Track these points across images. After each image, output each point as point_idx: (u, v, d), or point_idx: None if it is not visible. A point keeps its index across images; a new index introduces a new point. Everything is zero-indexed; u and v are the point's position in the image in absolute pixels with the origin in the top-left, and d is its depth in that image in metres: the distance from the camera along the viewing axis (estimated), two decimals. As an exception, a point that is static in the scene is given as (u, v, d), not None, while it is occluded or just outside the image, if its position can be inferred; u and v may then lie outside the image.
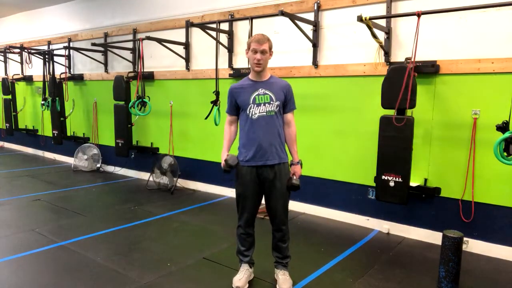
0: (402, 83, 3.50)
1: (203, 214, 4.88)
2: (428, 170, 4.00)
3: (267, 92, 2.80)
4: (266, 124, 2.80)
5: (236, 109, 2.89)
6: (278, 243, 2.99)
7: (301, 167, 2.96)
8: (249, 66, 2.87)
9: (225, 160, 2.87)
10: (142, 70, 5.87)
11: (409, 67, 3.50)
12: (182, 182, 6.11)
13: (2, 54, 9.15)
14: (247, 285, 2.95)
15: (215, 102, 4.92)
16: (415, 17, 3.42)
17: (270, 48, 2.81)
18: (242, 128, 2.89)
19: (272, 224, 2.99)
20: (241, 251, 3.00)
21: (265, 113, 2.79)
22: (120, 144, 6.34)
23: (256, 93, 2.80)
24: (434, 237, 3.92)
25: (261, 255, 3.23)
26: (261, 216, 4.52)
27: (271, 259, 3.09)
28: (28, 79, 8.81)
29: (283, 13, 4.02)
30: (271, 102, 2.80)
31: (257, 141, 2.79)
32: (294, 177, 2.90)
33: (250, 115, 2.81)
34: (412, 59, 3.44)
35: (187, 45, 5.87)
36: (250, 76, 2.89)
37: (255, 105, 2.79)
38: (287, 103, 2.89)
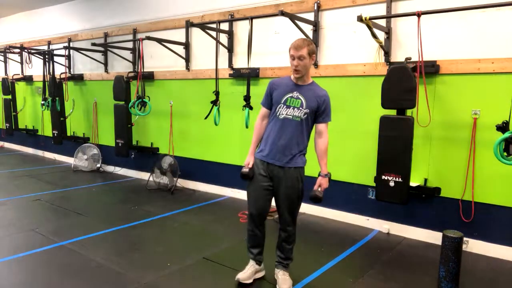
0: (404, 82, 3.51)
1: (203, 214, 4.87)
2: (428, 170, 4.00)
3: (300, 97, 2.79)
4: (288, 127, 2.79)
5: (271, 102, 2.88)
6: (283, 243, 3.01)
7: (329, 181, 2.88)
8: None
9: (240, 172, 2.90)
10: (142, 70, 5.87)
11: (418, 65, 3.51)
12: (182, 182, 6.11)
13: (2, 54, 9.15)
14: (251, 280, 2.96)
15: (215, 102, 4.92)
16: (415, 17, 3.42)
17: (310, 54, 2.74)
18: (268, 123, 2.92)
19: (279, 223, 3.01)
20: (248, 246, 3.05)
21: (291, 117, 2.78)
22: (120, 144, 6.34)
23: (290, 94, 2.80)
24: (434, 237, 3.92)
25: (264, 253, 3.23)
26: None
27: (272, 259, 3.09)
28: (28, 79, 8.80)
29: (283, 13, 4.03)
30: (301, 108, 2.78)
31: (274, 140, 2.81)
32: (319, 189, 2.83)
33: (277, 114, 2.82)
34: (419, 59, 3.47)
35: (187, 45, 5.87)
36: (292, 76, 2.87)
37: (285, 106, 2.80)
38: (320, 114, 2.83)
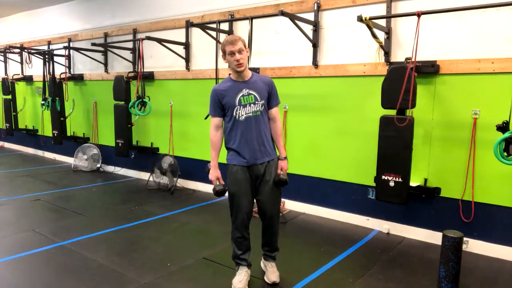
0: (402, 83, 3.51)
1: (203, 214, 4.88)
2: (428, 170, 4.00)
3: (251, 92, 2.80)
4: (253, 124, 2.81)
5: (222, 110, 2.85)
6: (270, 238, 3.04)
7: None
8: (231, 68, 2.82)
9: (215, 190, 2.88)
10: (142, 70, 5.87)
11: (409, 67, 3.49)
12: (182, 182, 6.11)
13: (2, 54, 9.15)
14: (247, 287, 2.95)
15: (215, 102, 4.92)
16: (415, 17, 3.42)
17: (245, 46, 2.79)
18: (229, 130, 2.87)
19: (263, 219, 3.00)
20: (238, 255, 2.98)
21: (251, 114, 2.80)
22: (120, 144, 6.34)
23: (241, 94, 2.79)
24: (434, 237, 3.92)
25: (259, 254, 3.23)
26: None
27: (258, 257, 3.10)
28: (28, 79, 8.80)
29: (283, 13, 4.02)
30: (256, 102, 2.81)
31: (246, 143, 2.81)
32: (282, 172, 2.90)
33: (237, 117, 2.80)
34: (413, 59, 3.44)
35: (187, 45, 5.87)
36: (232, 76, 2.86)
37: (241, 107, 2.79)
38: (270, 99, 2.90)
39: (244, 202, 2.88)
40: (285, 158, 2.94)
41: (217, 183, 2.88)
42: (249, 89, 2.81)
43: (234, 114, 2.80)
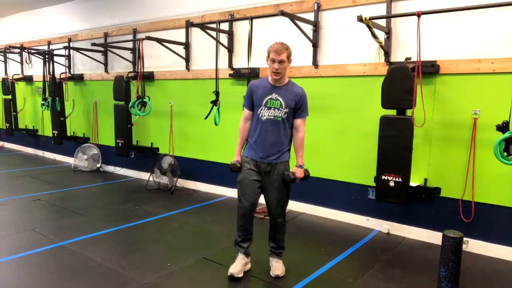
0: (402, 83, 3.51)
1: (203, 214, 4.88)
2: (428, 170, 4.00)
3: (278, 98, 2.95)
4: (272, 127, 2.97)
5: (253, 104, 3.05)
6: (275, 234, 3.16)
7: (306, 176, 3.05)
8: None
9: (232, 168, 3.08)
10: (142, 70, 5.87)
11: (416, 66, 3.50)
12: (182, 182, 6.11)
13: (2, 54, 9.14)
14: (242, 274, 3.04)
15: (215, 102, 4.92)
16: (415, 17, 3.42)
17: (289, 57, 2.94)
18: (252, 124, 3.07)
19: (270, 217, 3.15)
20: (238, 241, 3.12)
21: (272, 117, 2.96)
22: (120, 144, 6.34)
23: (269, 96, 2.97)
24: (434, 237, 3.92)
25: (261, 253, 3.24)
26: (261, 216, 4.52)
27: (264, 256, 3.11)
28: (28, 79, 8.80)
29: (283, 13, 4.03)
30: (280, 108, 2.95)
31: (261, 141, 2.99)
32: (294, 174, 2.98)
33: (260, 116, 2.99)
34: (417, 59, 3.45)
35: (187, 45, 5.87)
36: (269, 79, 3.03)
37: (266, 108, 2.97)
38: (297, 110, 3.00)
39: (247, 190, 3.01)
40: (301, 166, 3.04)
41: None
42: (278, 95, 2.96)
43: (258, 112, 3.00)
